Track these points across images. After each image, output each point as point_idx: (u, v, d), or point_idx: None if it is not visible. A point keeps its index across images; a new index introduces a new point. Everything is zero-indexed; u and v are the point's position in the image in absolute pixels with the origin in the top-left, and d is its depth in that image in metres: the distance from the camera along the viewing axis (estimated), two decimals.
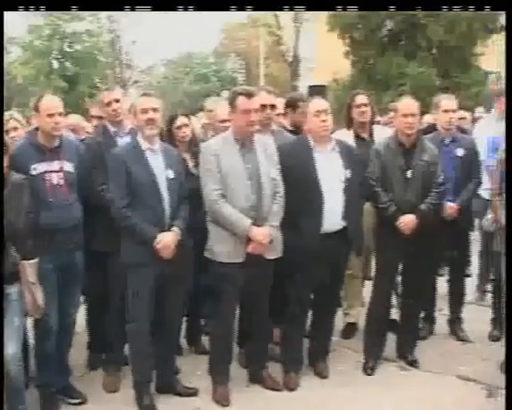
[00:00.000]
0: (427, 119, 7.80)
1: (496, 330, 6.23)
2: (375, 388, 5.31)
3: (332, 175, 5.16)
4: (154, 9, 6.35)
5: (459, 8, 5.96)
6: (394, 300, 6.03)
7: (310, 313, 5.61)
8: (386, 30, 22.93)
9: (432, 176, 5.47)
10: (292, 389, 5.28)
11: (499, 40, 22.30)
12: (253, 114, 4.88)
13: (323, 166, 5.15)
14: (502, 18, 21.73)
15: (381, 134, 6.01)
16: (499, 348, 5.80)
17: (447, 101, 6.21)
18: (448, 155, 5.93)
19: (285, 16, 36.22)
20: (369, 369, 5.59)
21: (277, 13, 35.93)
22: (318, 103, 5.25)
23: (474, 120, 10.14)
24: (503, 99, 6.63)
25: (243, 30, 41.35)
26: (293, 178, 5.06)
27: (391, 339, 5.81)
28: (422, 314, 6.22)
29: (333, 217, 5.13)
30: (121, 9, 6.06)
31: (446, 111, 6.09)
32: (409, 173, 5.41)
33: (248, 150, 4.97)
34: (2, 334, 4.25)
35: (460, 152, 6.06)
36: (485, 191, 6.11)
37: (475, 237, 7.31)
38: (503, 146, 5.42)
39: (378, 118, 8.54)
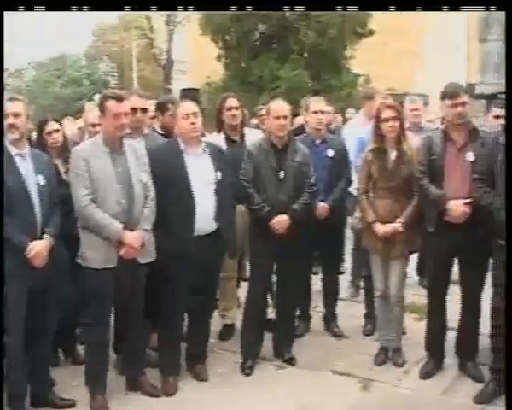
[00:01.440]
0: (299, 120, 7.95)
1: (369, 325, 6.40)
2: (254, 388, 5.35)
3: (203, 177, 5.19)
4: (151, 10, 6.23)
5: (459, 7, 6.06)
6: (270, 299, 6.08)
7: (186, 317, 5.60)
8: (258, 33, 23.19)
9: (304, 176, 5.58)
10: (171, 394, 5.23)
11: (368, 44, 23.12)
12: (122, 118, 4.83)
13: (194, 169, 5.17)
14: (371, 22, 22.50)
15: (252, 136, 6.09)
16: (372, 342, 6.00)
17: (316, 102, 6.36)
18: (319, 156, 6.06)
19: (158, 19, 36.07)
20: (247, 369, 5.60)
21: (150, 15, 35.71)
22: (187, 106, 5.29)
23: (346, 121, 10.42)
24: (375, 100, 6.85)
25: (115, 32, 40.85)
26: (165, 182, 5.04)
27: (268, 338, 5.87)
28: (298, 312, 6.31)
29: (205, 219, 5.15)
30: (121, 9, 5.99)
31: (315, 112, 6.23)
32: (281, 174, 5.49)
33: (118, 154, 4.90)
34: (3, 333, 4.31)
35: (330, 152, 6.20)
36: (354, 190, 6.27)
37: (349, 235, 7.49)
38: (369, 146, 5.61)
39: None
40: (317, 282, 6.66)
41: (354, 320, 6.58)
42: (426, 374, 5.45)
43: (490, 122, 6.10)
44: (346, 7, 6.29)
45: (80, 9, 5.63)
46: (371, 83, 20.65)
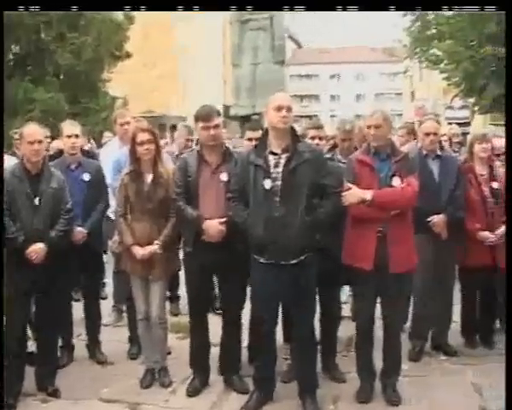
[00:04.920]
0: (57, 144, 7.76)
1: (134, 348, 6.36)
2: None
3: None
4: (153, 9, 5.66)
5: (459, 8, 6.03)
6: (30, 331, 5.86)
7: None
8: (12, 54, 22.48)
9: (60, 202, 5.47)
10: None
11: (128, 66, 23.24)
12: None
13: None
14: (127, 45, 22.61)
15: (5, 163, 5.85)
16: (138, 366, 5.98)
17: (69, 126, 6.29)
18: (75, 180, 5.99)
19: None
20: (8, 407, 5.32)
21: None
22: None
23: (103, 145, 10.36)
24: (126, 122, 6.88)
25: None
26: None
27: (30, 372, 5.63)
28: (60, 343, 6.13)
29: None
30: (121, 9, 5.44)
31: (69, 136, 6.16)
32: (36, 201, 5.33)
33: None
34: (2, 333, 4.30)
35: (86, 176, 6.15)
36: (112, 213, 6.23)
37: (109, 258, 7.40)
38: (125, 169, 5.61)
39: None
40: (79, 309, 6.51)
41: (119, 345, 6.53)
42: (193, 391, 5.53)
43: (245, 145, 6.26)
44: (346, 7, 6.31)
45: (81, 9, 5.27)
46: (128, 105, 20.80)
